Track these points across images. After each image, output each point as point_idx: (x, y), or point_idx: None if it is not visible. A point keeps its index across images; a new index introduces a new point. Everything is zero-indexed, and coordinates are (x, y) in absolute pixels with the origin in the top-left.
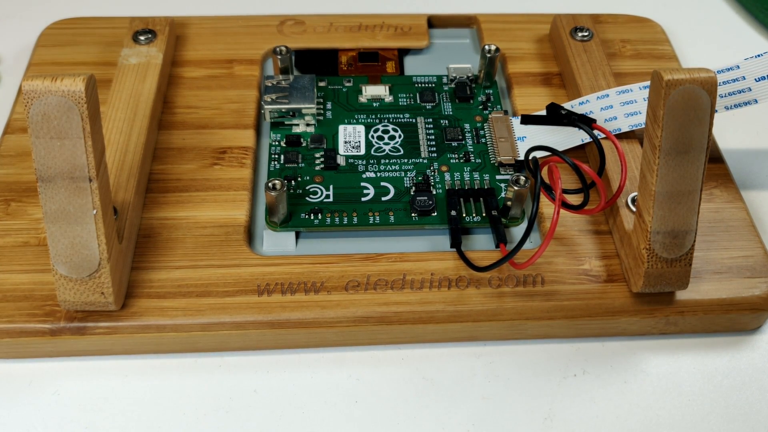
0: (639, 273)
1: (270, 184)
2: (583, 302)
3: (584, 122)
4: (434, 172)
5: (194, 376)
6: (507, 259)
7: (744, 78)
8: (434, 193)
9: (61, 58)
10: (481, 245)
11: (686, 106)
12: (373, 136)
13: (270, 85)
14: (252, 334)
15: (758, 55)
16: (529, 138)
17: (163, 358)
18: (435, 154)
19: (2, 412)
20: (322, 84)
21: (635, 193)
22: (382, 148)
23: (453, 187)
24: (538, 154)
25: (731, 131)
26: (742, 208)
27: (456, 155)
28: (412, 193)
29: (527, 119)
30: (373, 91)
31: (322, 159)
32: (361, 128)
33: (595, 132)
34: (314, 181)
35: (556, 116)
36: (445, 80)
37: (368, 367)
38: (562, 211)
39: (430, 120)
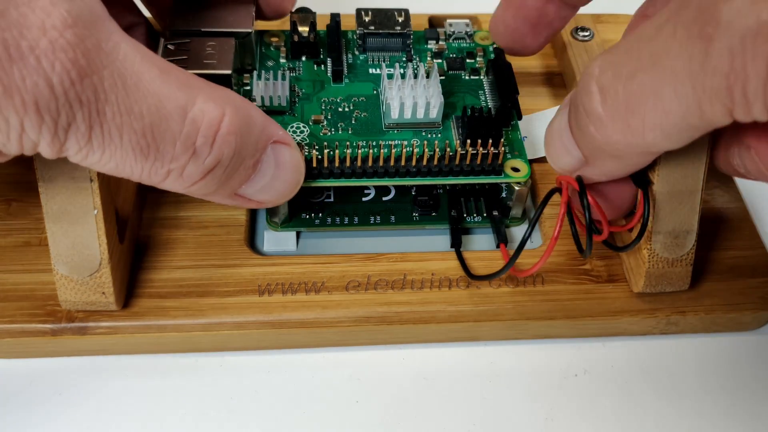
0: (640, 273)
1: None
2: (584, 302)
3: None
4: None
5: (194, 376)
6: (503, 272)
7: None
8: (435, 193)
9: None
10: (482, 245)
11: None
12: None
13: None
14: (253, 334)
15: None
16: (530, 137)
17: (163, 358)
18: None
19: (3, 412)
20: None
21: None
22: None
23: (454, 187)
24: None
25: None
26: (743, 208)
27: None
28: (413, 193)
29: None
30: None
31: None
32: None
33: None
34: None
35: None
36: None
37: (368, 367)
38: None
39: None
